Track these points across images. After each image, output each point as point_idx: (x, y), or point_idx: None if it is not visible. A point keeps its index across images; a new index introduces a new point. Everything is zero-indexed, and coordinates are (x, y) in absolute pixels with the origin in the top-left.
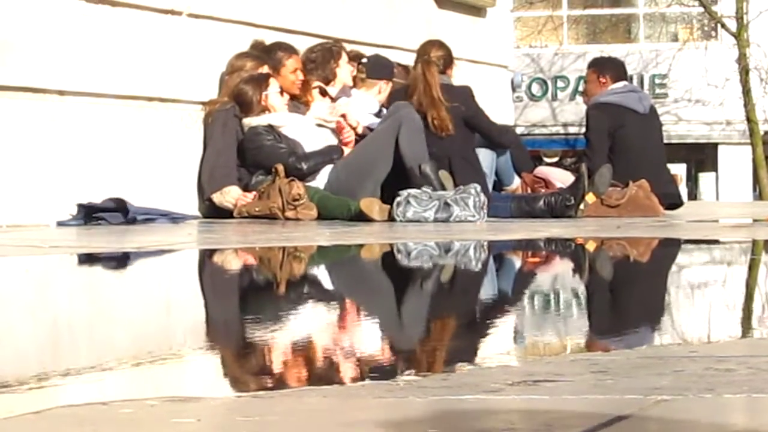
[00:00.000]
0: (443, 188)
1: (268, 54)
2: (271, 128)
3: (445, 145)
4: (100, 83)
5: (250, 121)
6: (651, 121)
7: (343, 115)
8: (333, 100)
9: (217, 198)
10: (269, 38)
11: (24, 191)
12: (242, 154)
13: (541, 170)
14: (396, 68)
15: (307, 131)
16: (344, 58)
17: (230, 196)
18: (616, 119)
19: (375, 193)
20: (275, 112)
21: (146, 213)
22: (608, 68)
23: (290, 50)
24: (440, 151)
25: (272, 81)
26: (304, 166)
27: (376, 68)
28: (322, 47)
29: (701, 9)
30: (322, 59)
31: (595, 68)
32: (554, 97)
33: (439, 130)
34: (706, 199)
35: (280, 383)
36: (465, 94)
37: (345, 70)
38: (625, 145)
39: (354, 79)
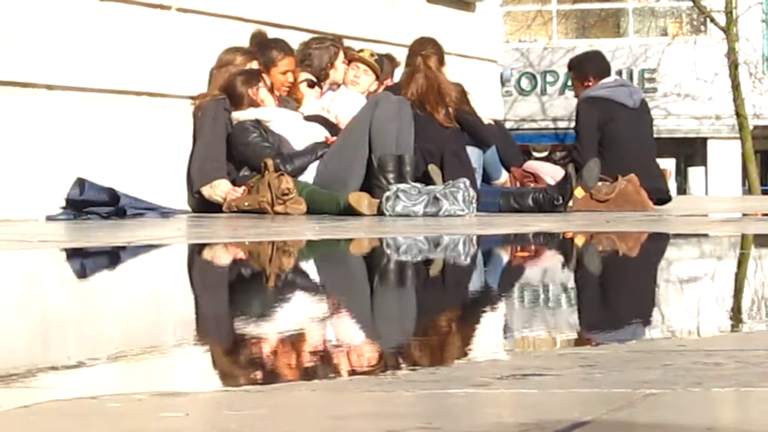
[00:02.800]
0: (400, 182)
1: (263, 48)
2: (258, 123)
3: (438, 141)
4: (89, 78)
5: (238, 116)
6: (641, 116)
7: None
8: (321, 89)
9: (206, 191)
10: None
11: (13, 185)
12: (229, 148)
13: (531, 165)
14: (385, 61)
15: (296, 127)
16: (340, 58)
17: (220, 189)
18: (605, 113)
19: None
20: (264, 107)
21: (135, 207)
22: (588, 68)
23: (286, 51)
24: (433, 146)
25: (264, 77)
26: (289, 168)
27: None
28: (320, 47)
29: (690, 3)
30: (318, 60)
31: (575, 73)
32: (543, 92)
33: (444, 120)
34: (696, 194)
35: (268, 377)
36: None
37: (339, 71)
38: (615, 139)
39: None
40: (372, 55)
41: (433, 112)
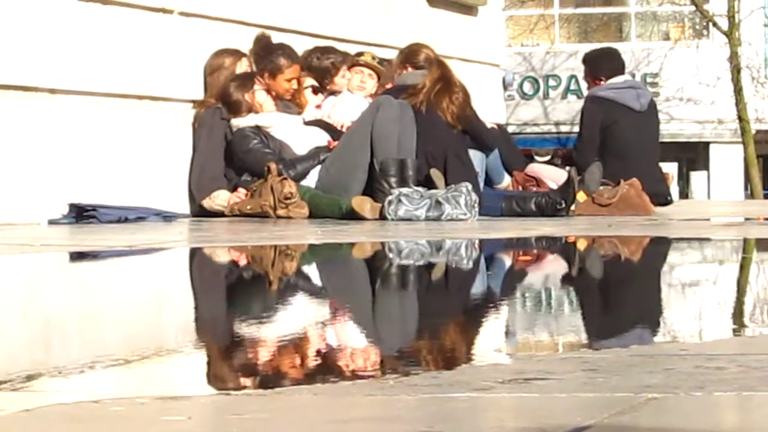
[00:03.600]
0: (402, 186)
1: (268, 54)
2: (258, 129)
3: (441, 143)
4: (91, 81)
5: (238, 123)
6: (647, 119)
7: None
8: (324, 96)
9: (206, 203)
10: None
11: (15, 190)
12: (230, 155)
13: (533, 169)
14: (384, 65)
15: (297, 131)
16: (341, 72)
17: (220, 199)
18: (609, 115)
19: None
20: (263, 113)
21: (136, 212)
22: (601, 65)
23: (293, 58)
24: (436, 149)
25: (258, 78)
26: (291, 173)
27: None
28: (322, 58)
29: (693, 8)
30: (320, 72)
31: (588, 68)
32: (546, 96)
33: (455, 119)
34: (698, 198)
35: (271, 381)
36: None
37: (338, 85)
38: (617, 141)
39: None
40: (374, 58)
41: (440, 110)
